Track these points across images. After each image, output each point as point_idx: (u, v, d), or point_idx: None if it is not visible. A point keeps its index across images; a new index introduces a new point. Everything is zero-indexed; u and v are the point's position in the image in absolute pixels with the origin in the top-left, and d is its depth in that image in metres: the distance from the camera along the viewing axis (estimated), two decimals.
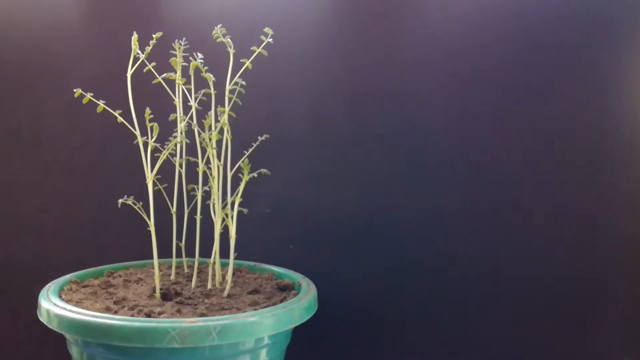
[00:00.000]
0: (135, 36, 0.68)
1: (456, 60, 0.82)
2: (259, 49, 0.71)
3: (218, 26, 0.71)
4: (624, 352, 0.79)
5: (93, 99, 0.67)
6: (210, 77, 0.71)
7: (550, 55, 0.79)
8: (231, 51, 0.71)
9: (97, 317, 0.59)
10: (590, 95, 0.78)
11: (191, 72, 0.73)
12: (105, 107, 0.67)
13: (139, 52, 0.69)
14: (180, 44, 0.72)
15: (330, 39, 0.87)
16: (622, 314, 0.79)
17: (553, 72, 0.79)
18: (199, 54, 0.72)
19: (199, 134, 0.73)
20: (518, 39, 0.80)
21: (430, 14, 0.83)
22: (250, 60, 0.71)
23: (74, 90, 0.67)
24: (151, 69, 0.70)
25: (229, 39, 0.71)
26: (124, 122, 0.67)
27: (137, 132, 0.68)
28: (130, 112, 0.68)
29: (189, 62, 0.72)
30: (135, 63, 0.69)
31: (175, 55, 0.72)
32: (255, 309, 0.64)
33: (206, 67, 0.71)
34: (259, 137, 0.75)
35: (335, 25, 0.86)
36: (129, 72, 0.68)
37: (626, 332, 0.79)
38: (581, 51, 0.78)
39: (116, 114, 0.67)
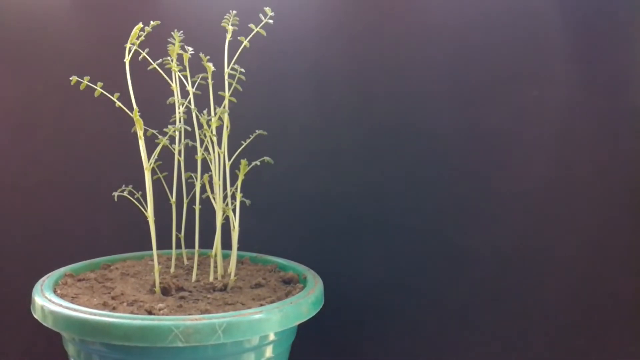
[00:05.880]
0: (139, 25, 0.65)
1: (464, 44, 0.80)
2: (257, 28, 0.68)
3: (232, 13, 0.68)
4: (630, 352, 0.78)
5: (90, 84, 0.64)
6: (210, 67, 0.68)
7: (557, 43, 0.77)
8: (229, 30, 0.68)
9: (95, 314, 0.56)
10: (599, 86, 0.76)
11: (186, 63, 0.70)
12: (103, 91, 0.64)
13: (141, 31, 0.66)
14: (173, 34, 0.69)
15: (336, 21, 0.84)
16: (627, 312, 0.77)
17: (558, 61, 0.77)
18: (190, 48, 0.69)
19: (197, 119, 0.70)
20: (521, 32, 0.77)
21: None
22: (248, 39, 0.68)
23: (70, 78, 0.64)
24: (146, 57, 0.67)
25: (231, 24, 0.68)
26: (122, 106, 0.64)
27: (138, 117, 0.65)
28: (124, 99, 0.64)
29: (185, 50, 0.69)
30: (132, 50, 0.66)
31: (173, 44, 0.69)
32: (261, 304, 0.62)
33: (203, 54, 0.68)
34: (256, 131, 0.72)
35: (341, 7, 0.83)
36: (127, 59, 0.64)
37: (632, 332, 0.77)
38: (585, 48, 0.76)
39: (114, 99, 0.63)
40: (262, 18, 0.68)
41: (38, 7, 0.89)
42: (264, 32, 0.68)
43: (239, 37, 0.68)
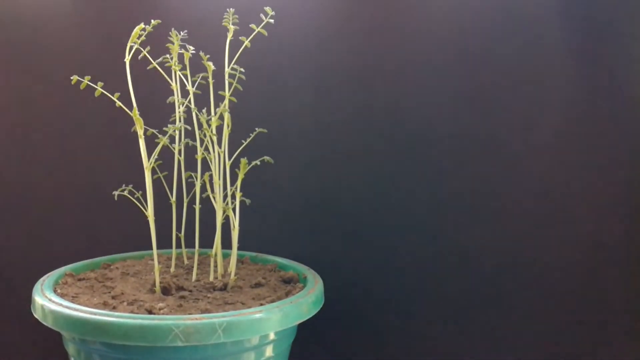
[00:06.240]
0: (140, 26, 0.65)
1: (464, 43, 0.80)
2: (258, 28, 0.68)
3: (231, 11, 0.68)
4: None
5: (90, 84, 0.64)
6: (210, 66, 0.68)
7: (557, 42, 0.77)
8: (230, 29, 0.68)
9: (95, 314, 0.56)
10: (602, 85, 0.76)
11: (186, 62, 0.70)
12: (103, 91, 0.64)
13: (142, 31, 0.66)
14: (171, 33, 0.69)
15: (335, 22, 0.84)
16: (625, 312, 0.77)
17: (559, 60, 0.77)
18: (191, 47, 0.69)
19: (197, 118, 0.70)
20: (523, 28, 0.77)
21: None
22: (249, 39, 0.68)
23: (71, 77, 0.64)
24: (147, 55, 0.67)
25: (230, 23, 0.68)
26: (122, 106, 0.64)
27: (135, 118, 0.65)
28: (125, 99, 0.64)
29: (186, 49, 0.69)
30: (133, 49, 0.65)
31: (173, 42, 0.69)
32: (261, 304, 0.62)
33: (203, 53, 0.68)
34: (256, 129, 0.72)
35: (341, 7, 0.83)
36: (127, 59, 0.64)
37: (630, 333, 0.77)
38: (585, 48, 0.76)
39: (114, 98, 0.63)
40: (263, 18, 0.68)
41: (38, 7, 0.89)
42: (265, 32, 0.68)
43: (240, 37, 0.68)
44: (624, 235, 0.77)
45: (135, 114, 0.63)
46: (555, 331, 0.79)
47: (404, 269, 0.84)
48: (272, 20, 0.68)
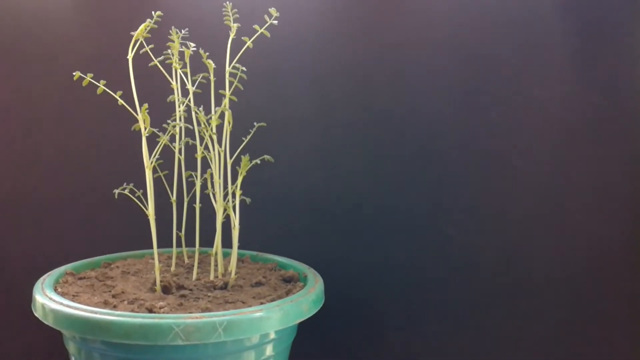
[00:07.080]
0: (146, 23, 0.65)
1: (464, 43, 0.80)
2: (261, 29, 0.68)
3: (229, 5, 0.68)
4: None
5: (93, 81, 0.64)
6: (210, 64, 0.68)
7: (557, 42, 0.77)
8: (233, 28, 0.68)
9: (96, 312, 0.56)
10: (602, 81, 0.76)
11: (187, 60, 0.70)
12: (105, 89, 0.64)
13: (147, 30, 0.66)
14: (171, 31, 0.69)
15: (336, 19, 0.84)
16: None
17: (559, 60, 0.77)
18: (192, 44, 0.69)
19: (197, 117, 0.70)
20: (524, 25, 0.77)
21: None
22: (251, 40, 0.68)
23: (73, 73, 0.64)
24: (149, 51, 0.67)
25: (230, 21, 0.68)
26: (125, 104, 0.64)
27: (140, 117, 0.65)
28: (125, 97, 0.64)
29: (187, 47, 0.69)
30: (135, 46, 0.65)
31: (173, 41, 0.68)
32: (262, 303, 0.62)
33: (203, 51, 0.68)
34: (255, 124, 0.72)
35: (341, 4, 0.83)
36: (130, 55, 0.64)
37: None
38: (585, 48, 0.76)
39: (117, 96, 0.63)
40: (267, 19, 0.68)
41: (37, 6, 0.89)
42: (268, 34, 0.68)
43: (242, 38, 0.68)
44: (625, 236, 0.76)
45: (143, 111, 0.63)
46: (555, 332, 0.79)
47: (404, 268, 0.84)
48: (275, 22, 0.68)
